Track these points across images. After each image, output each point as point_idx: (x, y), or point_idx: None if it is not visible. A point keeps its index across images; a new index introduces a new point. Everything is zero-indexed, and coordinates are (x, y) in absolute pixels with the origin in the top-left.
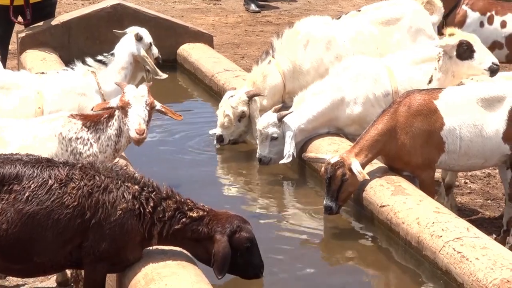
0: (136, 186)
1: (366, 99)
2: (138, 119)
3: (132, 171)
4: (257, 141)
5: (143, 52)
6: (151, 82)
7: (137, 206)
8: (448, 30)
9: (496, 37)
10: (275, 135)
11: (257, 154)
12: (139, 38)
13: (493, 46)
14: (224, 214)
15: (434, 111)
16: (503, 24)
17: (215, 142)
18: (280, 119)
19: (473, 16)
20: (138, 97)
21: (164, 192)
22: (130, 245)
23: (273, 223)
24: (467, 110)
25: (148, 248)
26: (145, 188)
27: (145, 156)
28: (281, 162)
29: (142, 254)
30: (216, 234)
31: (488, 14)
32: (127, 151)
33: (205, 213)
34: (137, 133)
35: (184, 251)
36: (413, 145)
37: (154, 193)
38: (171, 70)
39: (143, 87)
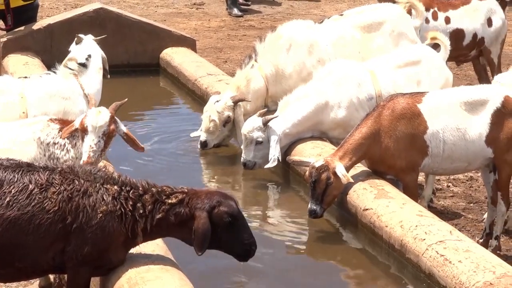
0: (115, 187)
1: (350, 103)
2: (88, 150)
3: (111, 172)
4: (242, 145)
5: (103, 55)
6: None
7: (117, 207)
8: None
9: (442, 32)
10: (260, 139)
11: (242, 158)
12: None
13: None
14: (204, 191)
15: (418, 114)
16: (447, 20)
17: (198, 146)
18: (265, 124)
19: None
20: (97, 127)
21: (141, 187)
22: (113, 247)
23: (257, 227)
24: (451, 114)
25: (132, 252)
26: (123, 188)
27: (127, 161)
28: (266, 166)
29: (126, 256)
30: (196, 211)
31: (432, 10)
32: (110, 154)
33: (184, 194)
34: (85, 161)
35: (170, 256)
36: (397, 148)
37: (131, 191)
38: (154, 74)
39: (106, 114)
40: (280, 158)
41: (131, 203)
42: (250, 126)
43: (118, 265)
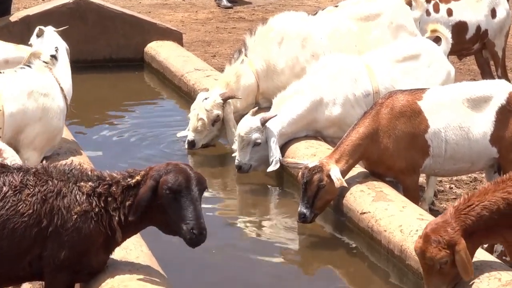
0: (90, 184)
1: (345, 99)
2: None
3: (85, 168)
4: (234, 146)
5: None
6: None
7: (92, 205)
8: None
9: (443, 25)
10: (259, 140)
11: (236, 161)
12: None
13: None
14: (164, 163)
15: (418, 112)
16: (449, 12)
17: (185, 146)
18: (264, 124)
19: None
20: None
21: (108, 178)
22: (93, 249)
23: (249, 232)
24: (453, 111)
25: (116, 259)
26: (96, 183)
27: (114, 159)
28: (269, 170)
29: (108, 258)
30: (147, 180)
31: (433, 1)
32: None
33: (146, 172)
34: None
35: (155, 264)
36: (396, 148)
37: (100, 185)
38: (138, 70)
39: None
40: (281, 159)
41: (103, 198)
42: (247, 127)
43: (99, 269)
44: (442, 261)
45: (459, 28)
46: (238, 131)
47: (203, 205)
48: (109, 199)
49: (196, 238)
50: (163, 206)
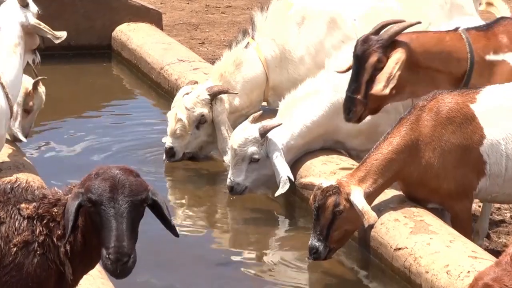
0: (33, 205)
1: None
2: None
3: (32, 186)
4: (227, 158)
5: (34, 20)
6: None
7: (37, 232)
8: None
9: None
10: (257, 156)
11: (228, 179)
12: (25, 4)
13: None
14: (98, 167)
15: (471, 118)
16: None
17: (163, 157)
18: (264, 134)
19: None
20: None
21: (50, 196)
22: None
23: (249, 273)
24: None
25: None
26: (38, 203)
27: (77, 173)
28: (277, 193)
29: None
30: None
31: None
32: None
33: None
34: None
35: None
36: (442, 166)
37: (42, 206)
38: (104, 60)
39: None
40: (292, 178)
41: (45, 222)
42: (242, 138)
43: None
44: None
45: None
46: (230, 142)
47: (188, 239)
48: (51, 224)
49: (111, 266)
50: (92, 222)
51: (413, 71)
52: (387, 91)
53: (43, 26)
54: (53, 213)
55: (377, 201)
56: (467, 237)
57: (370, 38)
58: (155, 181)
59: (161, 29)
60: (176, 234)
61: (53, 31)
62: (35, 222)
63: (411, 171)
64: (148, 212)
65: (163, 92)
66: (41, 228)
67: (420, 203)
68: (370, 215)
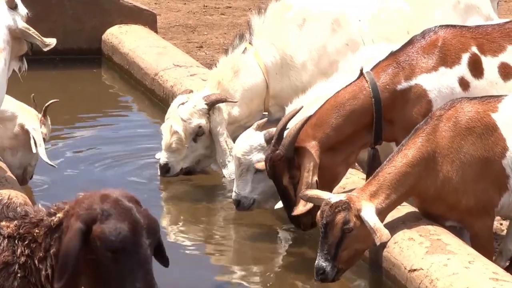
0: (15, 223)
1: None
2: None
3: (15, 202)
4: (226, 172)
5: (22, 23)
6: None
7: (18, 253)
8: None
9: None
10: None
11: (234, 193)
12: (13, 6)
13: None
14: (91, 194)
15: (493, 129)
16: None
17: (158, 172)
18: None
19: None
20: None
21: (32, 215)
22: None
23: None
24: None
25: None
26: (20, 222)
27: (67, 191)
28: (277, 206)
29: None
30: (70, 220)
31: None
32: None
33: (71, 206)
34: None
35: None
36: (461, 180)
37: (23, 225)
38: (94, 65)
39: None
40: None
41: (26, 242)
42: (247, 145)
43: None
44: None
45: None
46: (234, 151)
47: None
48: (33, 245)
49: None
50: (97, 263)
51: (333, 151)
52: (308, 206)
53: (32, 31)
54: (35, 234)
55: (390, 218)
56: (488, 258)
57: (275, 156)
58: (150, 196)
59: (156, 31)
60: (166, 264)
61: (42, 38)
62: (16, 242)
63: (427, 185)
64: None
65: (158, 100)
66: (22, 249)
67: (436, 220)
68: (382, 233)
